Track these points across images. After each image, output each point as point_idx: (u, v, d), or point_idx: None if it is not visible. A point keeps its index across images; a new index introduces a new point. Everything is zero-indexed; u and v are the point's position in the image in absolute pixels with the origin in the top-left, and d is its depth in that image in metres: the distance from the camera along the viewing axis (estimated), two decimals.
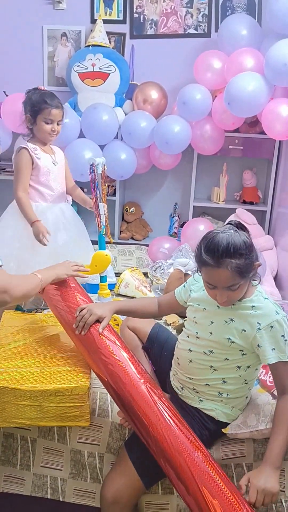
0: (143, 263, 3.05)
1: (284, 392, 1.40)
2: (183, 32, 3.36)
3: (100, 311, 1.55)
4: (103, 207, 2.22)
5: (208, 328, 1.49)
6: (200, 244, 1.41)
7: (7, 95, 3.26)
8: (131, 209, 3.59)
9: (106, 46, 3.27)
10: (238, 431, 1.50)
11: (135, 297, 2.60)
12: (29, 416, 1.55)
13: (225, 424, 1.53)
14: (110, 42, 3.36)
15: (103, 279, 2.23)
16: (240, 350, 1.45)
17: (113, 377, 1.46)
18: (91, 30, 3.33)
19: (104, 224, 2.24)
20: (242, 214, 3.09)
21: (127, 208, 3.59)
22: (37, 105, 2.31)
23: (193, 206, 3.42)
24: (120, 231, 3.57)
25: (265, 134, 2.92)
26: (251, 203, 3.40)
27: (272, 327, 1.39)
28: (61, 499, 1.64)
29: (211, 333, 1.49)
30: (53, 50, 3.52)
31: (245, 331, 1.43)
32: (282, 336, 1.39)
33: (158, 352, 1.73)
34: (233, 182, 3.48)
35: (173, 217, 3.63)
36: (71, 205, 2.61)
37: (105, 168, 2.21)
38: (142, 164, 3.29)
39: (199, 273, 1.48)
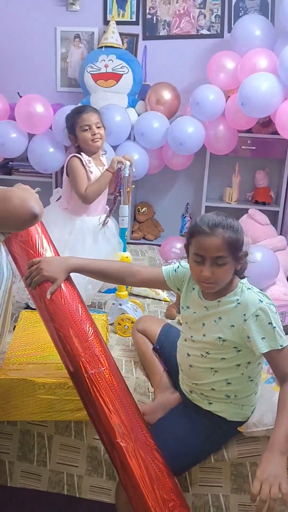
0: (155, 263, 3.07)
1: (286, 378, 1.36)
2: (196, 33, 3.37)
3: (50, 271, 1.45)
4: (127, 210, 2.24)
5: (201, 331, 1.49)
6: (194, 219, 1.45)
7: (21, 96, 3.29)
8: (143, 209, 3.60)
9: (119, 47, 3.29)
10: (254, 429, 1.51)
11: (147, 297, 2.62)
12: (47, 409, 1.59)
13: (239, 423, 1.53)
14: (123, 43, 3.37)
15: None
16: (234, 347, 1.44)
17: (55, 340, 1.48)
18: (104, 31, 3.35)
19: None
20: (255, 214, 3.09)
21: (139, 208, 3.61)
22: (71, 120, 2.32)
23: (205, 206, 3.43)
24: (132, 231, 3.59)
25: (278, 134, 2.92)
26: (264, 204, 3.40)
27: (257, 315, 1.37)
28: (77, 495, 1.66)
29: (204, 335, 1.49)
30: (66, 51, 3.54)
31: (233, 326, 1.42)
32: (269, 323, 1.37)
33: (168, 351, 1.74)
34: (246, 182, 3.48)
35: (184, 217, 3.64)
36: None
37: (132, 171, 2.24)
38: (154, 164, 3.30)
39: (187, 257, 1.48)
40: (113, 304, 2.28)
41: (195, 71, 3.32)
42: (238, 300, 1.43)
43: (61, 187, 2.48)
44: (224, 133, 3.05)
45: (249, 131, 3.18)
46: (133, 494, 1.36)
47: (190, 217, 3.62)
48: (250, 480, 1.57)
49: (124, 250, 2.29)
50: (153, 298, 2.62)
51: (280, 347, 1.36)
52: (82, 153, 2.31)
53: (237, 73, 2.91)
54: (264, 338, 1.37)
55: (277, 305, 2.26)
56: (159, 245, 3.33)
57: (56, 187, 3.44)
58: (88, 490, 1.66)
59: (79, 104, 3.28)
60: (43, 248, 1.56)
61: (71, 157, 2.30)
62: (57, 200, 2.46)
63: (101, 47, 3.29)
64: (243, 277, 1.50)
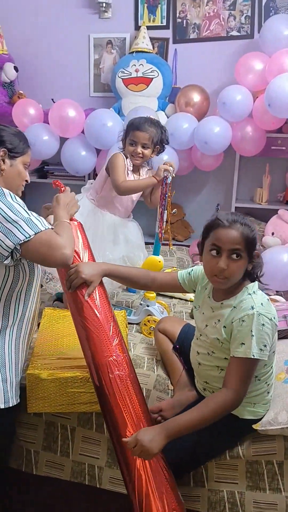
0: (184, 264, 3.10)
1: (226, 386, 1.42)
2: (225, 35, 3.38)
3: (88, 274, 1.53)
4: (165, 215, 2.29)
5: (204, 331, 1.56)
6: (212, 216, 1.50)
7: (54, 102, 3.41)
8: (173, 210, 3.63)
9: (149, 52, 3.34)
10: (268, 427, 1.53)
11: (174, 297, 2.66)
12: (73, 401, 1.67)
13: (253, 421, 1.55)
14: (153, 48, 3.43)
15: None
16: None
17: (83, 340, 1.55)
18: (135, 37, 3.42)
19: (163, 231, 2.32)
20: (284, 215, 3.07)
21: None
22: (128, 128, 2.36)
23: (235, 207, 3.43)
24: None
25: None
26: None
27: (243, 321, 1.42)
28: (97, 486, 1.73)
29: (206, 335, 1.55)
30: (99, 57, 3.63)
31: (225, 327, 1.48)
32: (250, 331, 1.40)
33: (188, 350, 1.78)
34: (277, 182, 3.45)
35: None
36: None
37: (173, 176, 2.26)
38: (184, 165, 3.33)
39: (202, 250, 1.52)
40: (141, 304, 2.34)
41: (225, 72, 3.33)
42: (235, 304, 1.48)
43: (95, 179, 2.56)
44: (252, 134, 3.04)
45: (279, 131, 3.15)
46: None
47: None
48: (265, 478, 1.59)
49: (157, 254, 2.32)
50: (179, 298, 2.67)
51: (243, 356, 1.40)
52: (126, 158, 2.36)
53: (265, 73, 2.90)
54: (243, 344, 1.41)
55: None
56: (189, 246, 3.37)
57: None
58: (108, 482, 1.72)
59: (111, 109, 3.38)
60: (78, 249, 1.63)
61: (115, 152, 2.37)
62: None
63: (132, 52, 3.36)
64: (254, 280, 1.52)
